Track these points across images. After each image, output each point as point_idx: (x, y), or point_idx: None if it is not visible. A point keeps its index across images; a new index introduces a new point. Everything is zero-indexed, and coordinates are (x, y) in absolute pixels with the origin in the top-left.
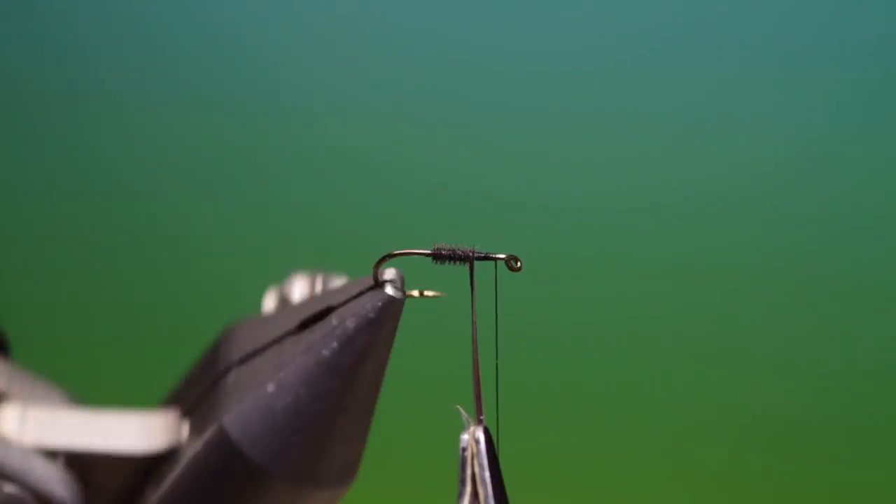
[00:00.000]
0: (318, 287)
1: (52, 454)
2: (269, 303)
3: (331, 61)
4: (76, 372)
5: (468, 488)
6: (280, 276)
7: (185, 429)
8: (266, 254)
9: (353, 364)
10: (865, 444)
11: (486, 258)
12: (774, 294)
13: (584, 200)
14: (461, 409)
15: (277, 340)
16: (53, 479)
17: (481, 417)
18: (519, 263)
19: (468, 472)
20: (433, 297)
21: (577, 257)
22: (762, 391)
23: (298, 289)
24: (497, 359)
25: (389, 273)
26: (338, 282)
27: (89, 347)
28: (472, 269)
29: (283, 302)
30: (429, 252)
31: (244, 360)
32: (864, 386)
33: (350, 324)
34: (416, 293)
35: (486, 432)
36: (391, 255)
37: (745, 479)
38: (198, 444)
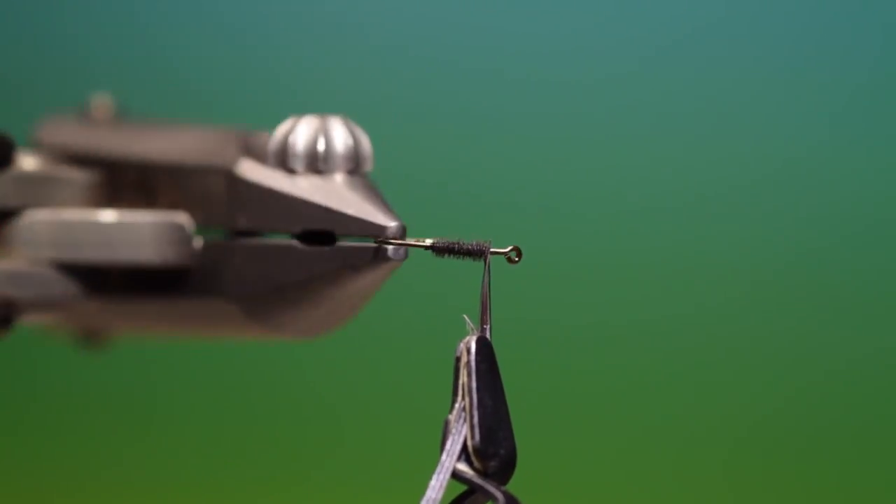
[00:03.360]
0: (321, 145)
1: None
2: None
3: (331, 61)
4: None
5: (458, 399)
6: None
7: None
8: None
9: (341, 290)
10: (868, 446)
11: (495, 253)
12: (777, 296)
13: (587, 202)
14: (467, 319)
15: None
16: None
17: (485, 326)
18: (518, 258)
19: (460, 381)
20: (418, 246)
21: (581, 259)
22: (765, 393)
23: (302, 138)
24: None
25: (392, 230)
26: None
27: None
28: (487, 261)
29: (284, 155)
30: (429, 244)
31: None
32: (868, 387)
33: (347, 270)
34: (412, 241)
35: (481, 341)
36: (390, 243)
37: (748, 480)
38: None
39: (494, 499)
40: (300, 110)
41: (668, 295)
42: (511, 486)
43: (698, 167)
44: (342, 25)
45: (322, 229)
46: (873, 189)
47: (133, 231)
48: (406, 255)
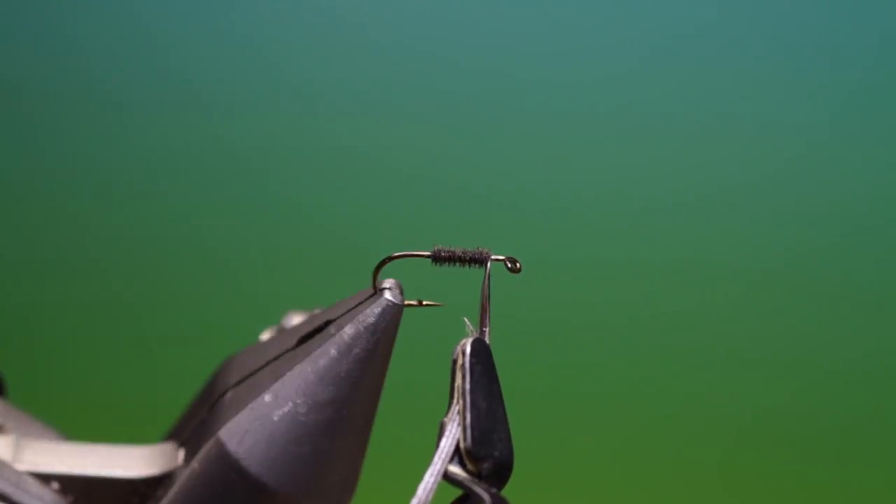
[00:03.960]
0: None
1: (46, 478)
2: (266, 337)
3: (331, 61)
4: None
5: (454, 401)
6: (281, 276)
7: (181, 455)
8: (266, 253)
9: (351, 372)
10: (868, 446)
11: (496, 260)
12: (775, 295)
13: (586, 202)
14: (467, 322)
15: (275, 358)
16: (47, 500)
17: (484, 329)
18: (518, 265)
19: (455, 383)
20: (432, 305)
21: (579, 258)
22: (764, 392)
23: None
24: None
25: (388, 282)
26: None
27: (88, 347)
28: (488, 269)
29: (281, 331)
30: (429, 254)
31: (241, 380)
32: (866, 387)
33: (348, 331)
34: (414, 302)
35: (477, 343)
36: (391, 258)
37: (747, 479)
38: (194, 461)
39: (482, 500)
40: (299, 112)
41: (667, 295)
42: (509, 487)
43: (698, 167)
44: (342, 25)
45: (318, 326)
46: (873, 189)
47: (117, 450)
48: (403, 301)
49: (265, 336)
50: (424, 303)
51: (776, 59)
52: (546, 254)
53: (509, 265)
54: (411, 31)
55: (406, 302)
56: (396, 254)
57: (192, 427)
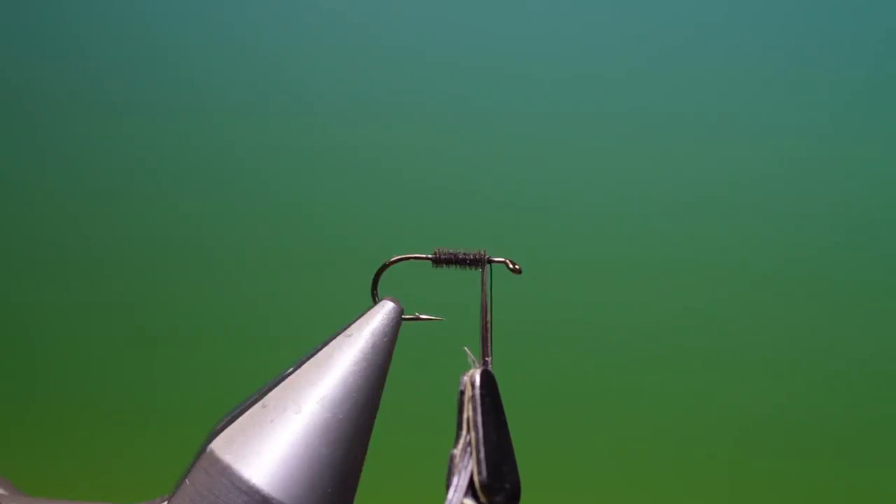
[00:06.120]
0: None
1: None
2: None
3: (331, 62)
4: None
5: (463, 433)
6: (282, 277)
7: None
8: (264, 257)
9: (347, 376)
10: (868, 446)
11: (491, 262)
12: (776, 296)
13: (587, 203)
14: (468, 351)
15: (269, 386)
16: None
17: (487, 359)
18: (518, 266)
19: (464, 415)
20: (430, 320)
21: (580, 260)
22: (765, 393)
23: None
24: (490, 355)
25: (386, 298)
26: None
27: (88, 348)
28: (484, 270)
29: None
30: (429, 256)
31: (233, 417)
32: (867, 388)
33: (345, 334)
34: (412, 316)
35: (485, 375)
36: (390, 263)
37: (748, 480)
38: (185, 478)
39: None
40: (299, 112)
41: (668, 295)
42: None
43: (698, 167)
44: (341, 25)
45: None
46: (873, 189)
47: None
48: (402, 310)
49: None
50: (422, 316)
51: (779, 59)
52: (547, 256)
53: (510, 266)
54: (411, 30)
55: (404, 316)
56: (396, 257)
57: (181, 477)
